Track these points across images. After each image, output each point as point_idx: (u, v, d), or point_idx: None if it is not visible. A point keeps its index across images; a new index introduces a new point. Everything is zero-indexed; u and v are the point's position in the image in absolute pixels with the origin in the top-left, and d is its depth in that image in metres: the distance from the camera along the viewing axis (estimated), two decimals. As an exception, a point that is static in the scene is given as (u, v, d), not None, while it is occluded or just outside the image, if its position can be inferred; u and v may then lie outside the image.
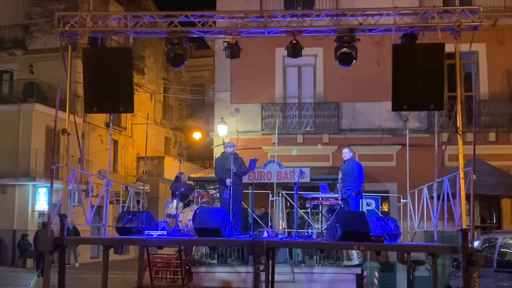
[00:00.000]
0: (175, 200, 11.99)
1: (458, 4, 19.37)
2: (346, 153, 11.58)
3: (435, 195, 10.55)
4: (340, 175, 11.49)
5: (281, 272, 13.47)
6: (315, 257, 14.30)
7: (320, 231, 12.24)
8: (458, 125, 9.38)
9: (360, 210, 11.38)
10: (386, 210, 18.38)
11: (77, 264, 22.89)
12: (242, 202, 12.40)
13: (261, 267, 9.49)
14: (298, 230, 11.97)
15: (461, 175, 9.10)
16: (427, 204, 10.79)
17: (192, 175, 19.50)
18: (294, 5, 19.90)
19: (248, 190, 12.78)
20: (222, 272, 14.37)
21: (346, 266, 14.12)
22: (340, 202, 11.31)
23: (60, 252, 9.65)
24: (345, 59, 10.09)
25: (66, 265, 10.57)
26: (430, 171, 11.51)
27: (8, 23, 27.67)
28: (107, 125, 27.00)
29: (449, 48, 9.55)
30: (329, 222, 10.86)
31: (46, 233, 10.63)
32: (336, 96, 19.72)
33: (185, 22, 10.29)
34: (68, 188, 10.22)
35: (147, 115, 21.22)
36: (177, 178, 13.18)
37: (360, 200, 11.34)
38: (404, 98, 9.65)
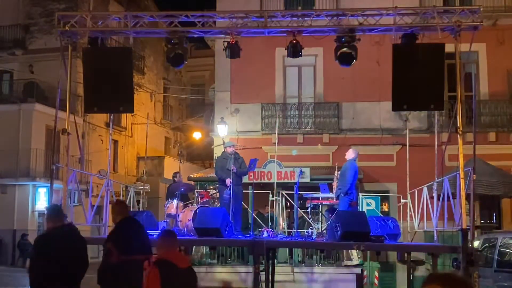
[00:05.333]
0: (175, 200, 12.00)
1: (458, 4, 19.37)
2: (347, 154, 11.64)
3: (435, 195, 10.55)
4: (336, 174, 11.66)
5: (281, 272, 13.46)
6: (315, 257, 14.28)
7: (320, 231, 12.25)
8: (458, 125, 9.39)
9: (358, 210, 11.39)
10: (386, 210, 18.38)
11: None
12: (242, 202, 12.41)
13: (261, 267, 9.50)
14: (298, 230, 11.97)
15: (461, 175, 9.11)
16: (427, 204, 10.80)
17: (192, 175, 19.52)
18: (294, 5, 19.90)
19: (248, 190, 12.77)
20: (222, 272, 14.36)
21: (346, 266, 14.11)
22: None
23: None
24: (345, 59, 10.08)
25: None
26: (430, 171, 11.51)
27: (8, 23, 27.69)
28: (107, 125, 26.99)
29: (449, 48, 9.55)
30: (329, 222, 10.87)
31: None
32: (336, 96, 19.72)
33: (185, 22, 10.29)
34: (68, 188, 10.23)
35: (147, 115, 21.24)
36: (173, 178, 13.31)
37: (351, 200, 11.25)
38: (404, 98, 9.66)
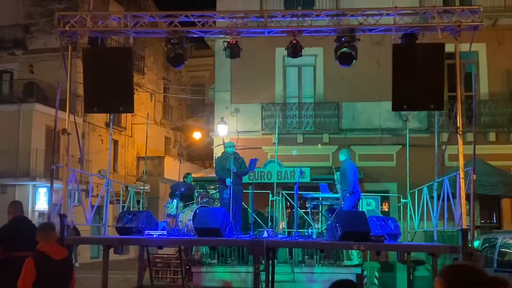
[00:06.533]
0: (175, 200, 12.01)
1: (458, 4, 19.37)
2: (340, 156, 11.76)
3: (435, 195, 10.55)
4: (335, 176, 11.74)
5: (281, 272, 13.46)
6: (315, 257, 14.29)
7: (320, 231, 12.25)
8: (458, 125, 9.39)
9: (356, 209, 11.41)
10: (386, 210, 18.39)
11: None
12: (243, 202, 12.41)
13: (261, 267, 9.50)
14: (298, 230, 11.97)
15: (461, 175, 9.10)
16: (427, 204, 10.80)
17: (192, 175, 19.51)
18: (294, 5, 19.89)
19: (248, 190, 12.78)
20: (222, 272, 14.36)
21: (346, 266, 14.11)
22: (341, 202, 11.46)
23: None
24: (345, 59, 10.07)
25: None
26: (430, 171, 11.51)
27: (8, 23, 27.70)
28: (107, 125, 27.01)
29: (449, 48, 9.55)
30: (329, 222, 10.87)
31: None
32: (336, 96, 19.72)
33: (185, 22, 10.27)
34: (68, 188, 10.22)
35: (147, 115, 21.21)
36: (184, 178, 13.42)
37: (358, 198, 11.36)
38: (404, 98, 9.65)
